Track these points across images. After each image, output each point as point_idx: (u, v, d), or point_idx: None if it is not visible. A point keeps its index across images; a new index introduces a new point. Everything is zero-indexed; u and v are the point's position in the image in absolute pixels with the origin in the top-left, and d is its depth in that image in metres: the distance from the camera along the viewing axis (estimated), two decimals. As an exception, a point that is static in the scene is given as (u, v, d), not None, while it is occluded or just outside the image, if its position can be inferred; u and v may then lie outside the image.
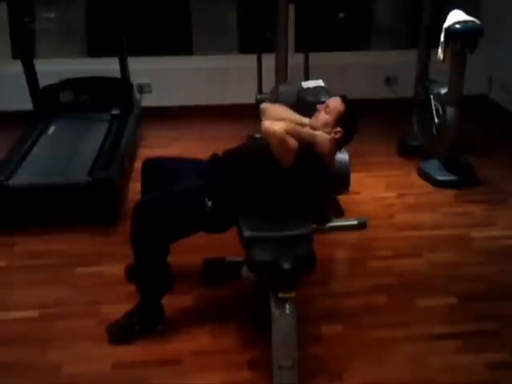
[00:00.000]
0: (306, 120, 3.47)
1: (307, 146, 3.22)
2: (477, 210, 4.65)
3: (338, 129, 3.37)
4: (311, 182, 3.33)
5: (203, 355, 3.17)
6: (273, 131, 3.14)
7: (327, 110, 3.41)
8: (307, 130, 3.34)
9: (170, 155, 3.87)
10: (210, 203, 3.23)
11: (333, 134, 3.36)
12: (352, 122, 3.43)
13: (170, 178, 3.39)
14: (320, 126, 3.38)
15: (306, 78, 5.52)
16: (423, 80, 5.51)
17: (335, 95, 3.52)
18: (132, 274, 3.59)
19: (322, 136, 3.33)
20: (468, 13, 4.85)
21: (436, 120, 5.14)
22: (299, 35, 6.36)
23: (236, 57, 6.88)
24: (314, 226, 3.38)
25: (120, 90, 5.77)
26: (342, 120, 3.38)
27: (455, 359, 3.17)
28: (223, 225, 3.37)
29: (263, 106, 3.56)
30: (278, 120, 3.32)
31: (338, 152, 3.61)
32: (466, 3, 5.52)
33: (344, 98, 3.44)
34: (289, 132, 3.15)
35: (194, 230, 3.31)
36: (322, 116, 3.41)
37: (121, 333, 3.27)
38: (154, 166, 3.61)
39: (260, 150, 3.28)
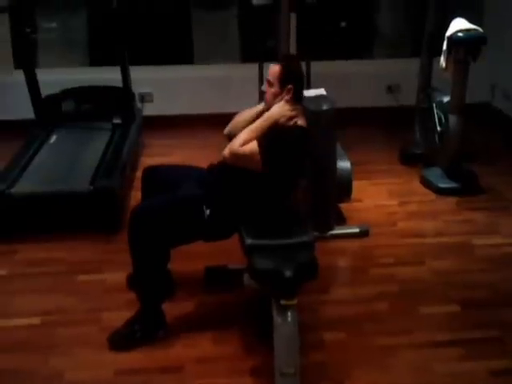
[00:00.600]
0: (260, 106, 3.47)
1: (270, 133, 3.23)
2: (479, 217, 4.64)
3: (288, 87, 3.34)
4: (292, 155, 3.30)
5: (205, 362, 3.16)
6: (227, 155, 3.23)
7: (269, 83, 3.39)
8: (263, 117, 3.32)
9: (171, 163, 3.87)
10: (208, 211, 3.24)
11: (286, 97, 3.34)
12: (292, 70, 3.40)
13: (170, 185, 3.41)
14: (272, 102, 3.36)
15: (308, 87, 5.53)
16: (426, 88, 5.51)
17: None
18: (132, 282, 3.60)
19: (275, 108, 3.32)
20: (471, 21, 4.86)
21: (438, 128, 5.14)
22: (301, 44, 6.37)
23: (237, 66, 6.89)
24: (315, 233, 3.37)
25: (122, 99, 5.78)
26: (283, 79, 3.34)
27: (458, 366, 3.16)
28: (222, 233, 3.37)
29: (225, 130, 3.59)
30: (234, 129, 3.44)
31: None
32: (468, 11, 5.53)
33: (277, 58, 3.44)
34: (246, 140, 3.20)
35: (192, 237, 3.32)
36: (269, 92, 3.39)
37: (122, 341, 3.26)
38: (154, 174, 3.62)
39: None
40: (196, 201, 3.28)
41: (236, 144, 3.23)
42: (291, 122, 3.30)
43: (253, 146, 3.19)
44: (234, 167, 3.31)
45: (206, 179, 3.43)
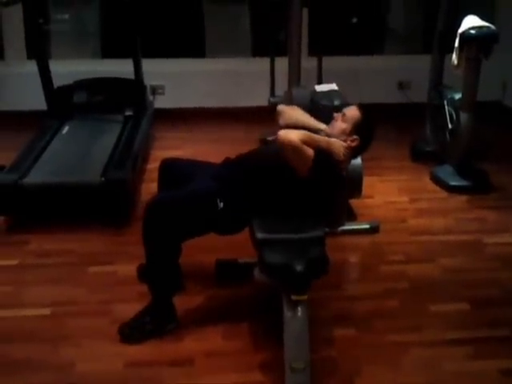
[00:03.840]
0: (322, 126, 3.49)
1: (324, 154, 3.22)
2: (490, 215, 4.63)
3: (355, 137, 3.40)
4: (326, 188, 3.36)
5: (215, 356, 3.16)
6: (288, 141, 3.13)
7: (344, 118, 3.43)
8: (324, 137, 3.33)
9: (188, 157, 3.87)
10: (221, 204, 3.24)
11: (349, 142, 3.38)
12: (369, 129, 3.46)
13: (186, 178, 3.40)
14: (336, 134, 3.40)
15: (320, 82, 5.53)
16: (437, 85, 5.50)
17: (352, 103, 3.52)
18: (143, 274, 3.60)
19: (338, 143, 3.34)
20: (483, 18, 4.84)
21: (449, 125, 5.13)
22: (312, 39, 6.37)
23: (249, 60, 6.90)
24: (326, 229, 3.37)
25: (133, 91, 5.80)
26: (358, 128, 3.40)
27: (467, 365, 3.15)
28: (234, 227, 3.37)
29: (279, 108, 3.61)
30: (293, 123, 3.39)
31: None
32: (481, 8, 5.51)
33: (361, 106, 3.46)
34: (305, 141, 3.15)
35: (205, 229, 3.32)
36: (339, 124, 3.43)
37: (132, 333, 3.26)
38: (171, 167, 3.63)
39: (275, 158, 3.25)
40: (210, 193, 3.28)
41: (296, 136, 3.16)
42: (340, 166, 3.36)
43: (311, 152, 3.16)
44: (255, 164, 3.34)
45: (221, 174, 3.43)
